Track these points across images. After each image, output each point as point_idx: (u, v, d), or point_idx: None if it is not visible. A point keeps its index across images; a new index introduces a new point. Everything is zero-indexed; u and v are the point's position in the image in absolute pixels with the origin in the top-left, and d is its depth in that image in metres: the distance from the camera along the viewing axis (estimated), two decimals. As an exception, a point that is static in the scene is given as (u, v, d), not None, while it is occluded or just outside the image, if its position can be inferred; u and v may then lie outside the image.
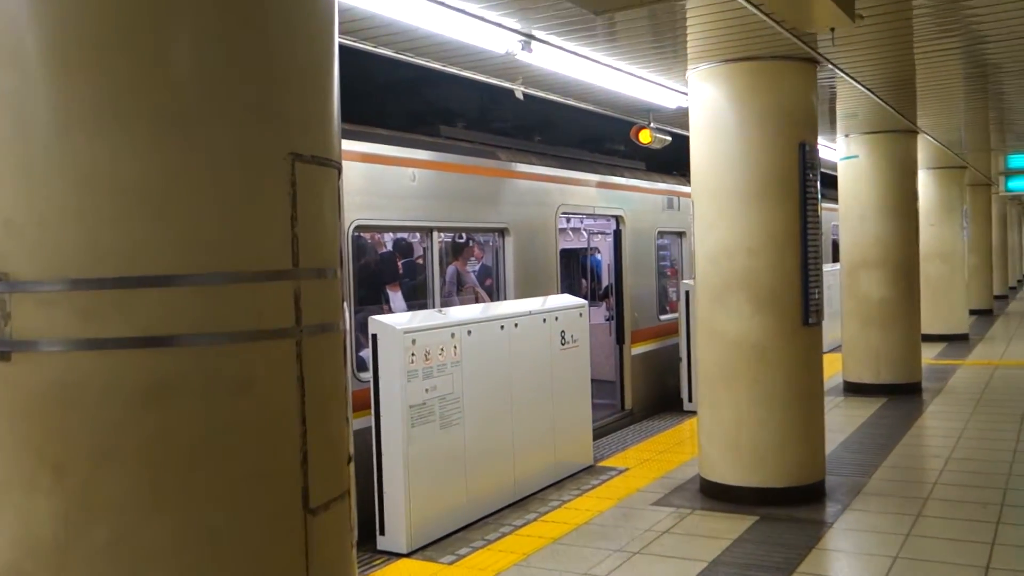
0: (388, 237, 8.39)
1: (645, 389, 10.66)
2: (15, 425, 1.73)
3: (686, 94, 7.11)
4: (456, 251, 8.76)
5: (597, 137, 12.50)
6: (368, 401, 5.86)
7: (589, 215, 10.36)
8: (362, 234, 7.54)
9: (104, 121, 1.69)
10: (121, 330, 1.70)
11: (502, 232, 8.29)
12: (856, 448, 8.09)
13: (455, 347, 6.17)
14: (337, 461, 2.00)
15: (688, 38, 5.96)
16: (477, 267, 9.10)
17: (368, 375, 5.90)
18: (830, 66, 6.73)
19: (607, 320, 10.93)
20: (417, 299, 7.80)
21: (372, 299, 7.68)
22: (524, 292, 8.25)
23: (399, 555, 5.65)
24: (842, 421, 9.21)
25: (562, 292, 8.85)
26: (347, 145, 6.30)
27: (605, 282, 11.80)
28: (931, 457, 7.95)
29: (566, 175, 9.34)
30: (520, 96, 6.99)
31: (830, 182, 11.09)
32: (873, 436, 8.56)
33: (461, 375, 6.21)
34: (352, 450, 2.11)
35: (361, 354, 6.56)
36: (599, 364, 10.04)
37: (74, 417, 1.70)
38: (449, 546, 5.77)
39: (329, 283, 1.98)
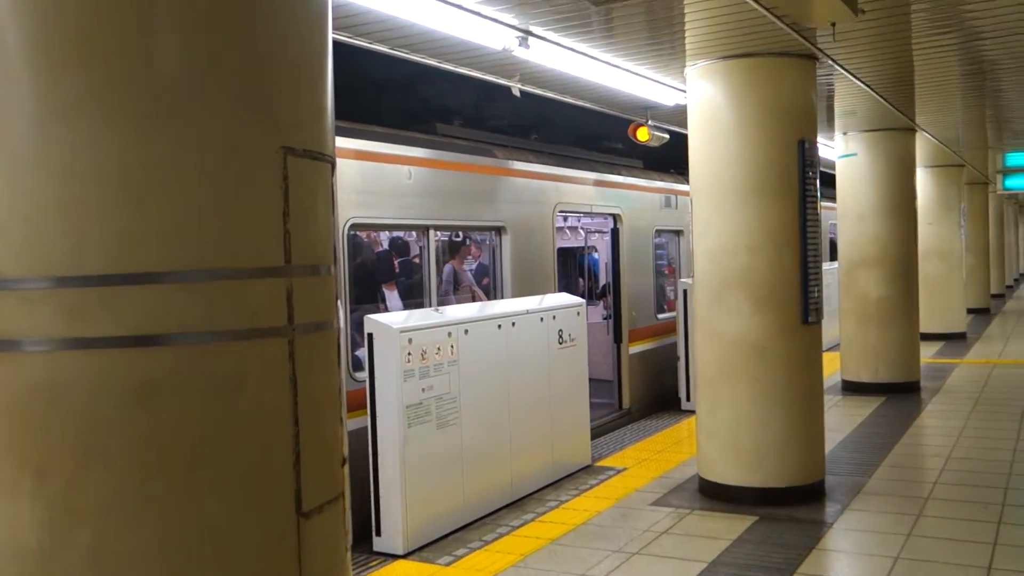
0: (384, 236, 8.35)
1: (643, 388, 10.62)
2: (-2, 427, 1.68)
3: (684, 91, 7.07)
4: (453, 250, 8.72)
5: (594, 135, 12.48)
6: (364, 401, 5.82)
7: (586, 213, 10.33)
8: (358, 233, 7.49)
9: (88, 115, 1.64)
10: (108, 329, 1.65)
11: (499, 230, 8.25)
12: (855, 447, 8.06)
13: (452, 346, 6.13)
14: (331, 463, 1.96)
15: (686, 34, 5.92)
16: (474, 266, 9.05)
17: (364, 375, 5.86)
18: (829, 62, 6.70)
19: (605, 319, 10.89)
20: (413, 298, 7.76)
21: (368, 298, 7.64)
22: (521, 291, 8.21)
23: (395, 556, 5.61)
24: (841, 420, 9.17)
25: (559, 291, 8.80)
26: (342, 143, 6.25)
27: (603, 281, 11.76)
28: (931, 456, 7.91)
29: (563, 173, 9.30)
30: (517, 93, 6.95)
31: (827, 182, 11.05)
32: (872, 435, 8.53)
33: (458, 375, 6.17)
34: (347, 451, 2.06)
35: (357, 353, 6.51)
36: (597, 363, 9.99)
37: (59, 419, 1.65)
38: (446, 547, 5.73)
39: (323, 280, 1.93)
